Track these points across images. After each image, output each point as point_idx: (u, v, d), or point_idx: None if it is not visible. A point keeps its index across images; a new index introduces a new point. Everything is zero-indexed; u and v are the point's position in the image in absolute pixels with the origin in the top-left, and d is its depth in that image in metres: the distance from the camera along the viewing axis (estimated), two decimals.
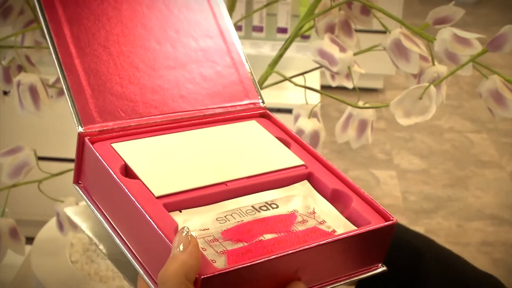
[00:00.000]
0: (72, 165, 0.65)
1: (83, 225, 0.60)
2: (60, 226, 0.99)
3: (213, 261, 0.50)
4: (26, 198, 1.28)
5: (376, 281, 0.58)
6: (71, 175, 0.61)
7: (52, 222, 1.14)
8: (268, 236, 0.53)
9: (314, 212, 0.57)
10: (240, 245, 0.52)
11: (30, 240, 1.08)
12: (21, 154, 0.91)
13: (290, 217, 0.56)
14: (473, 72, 0.81)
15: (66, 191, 0.91)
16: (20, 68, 0.92)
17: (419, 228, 2.19)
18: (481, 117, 3.11)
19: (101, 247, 0.57)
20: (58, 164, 1.58)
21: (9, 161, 0.91)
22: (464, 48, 0.78)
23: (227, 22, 0.68)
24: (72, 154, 0.58)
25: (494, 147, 2.85)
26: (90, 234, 0.59)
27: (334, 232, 0.54)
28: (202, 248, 0.50)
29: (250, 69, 0.67)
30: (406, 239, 0.72)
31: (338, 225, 0.55)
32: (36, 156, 0.93)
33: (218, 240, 0.52)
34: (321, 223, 0.56)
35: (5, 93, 0.96)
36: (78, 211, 0.61)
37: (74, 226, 0.98)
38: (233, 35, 0.67)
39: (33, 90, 0.87)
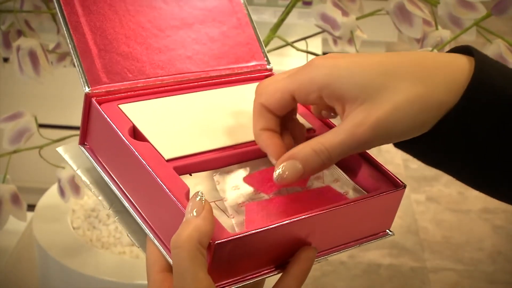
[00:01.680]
0: (73, 132, 0.65)
1: (79, 170, 0.58)
2: (62, 192, 0.99)
3: (232, 216, 0.50)
4: (27, 164, 1.28)
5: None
6: (72, 141, 0.60)
7: (54, 188, 1.15)
8: (284, 191, 0.54)
9: (322, 177, 0.56)
10: (259, 197, 0.53)
11: (31, 207, 1.08)
12: (22, 120, 0.91)
13: None
14: (477, 39, 0.80)
15: None
16: (20, 33, 0.92)
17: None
18: None
19: (100, 198, 0.56)
20: (59, 131, 1.57)
21: (10, 127, 0.91)
22: (468, 12, 0.78)
23: None
24: (73, 121, 0.57)
25: None
26: (88, 182, 0.57)
27: (346, 194, 0.55)
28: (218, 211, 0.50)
29: (256, 30, 0.66)
30: None
31: (348, 190, 0.55)
32: (37, 122, 0.92)
33: (239, 188, 0.53)
34: (335, 181, 0.56)
35: (5, 60, 0.96)
36: (73, 152, 0.60)
37: (76, 192, 0.98)
38: None
39: (33, 55, 0.86)
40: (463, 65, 0.48)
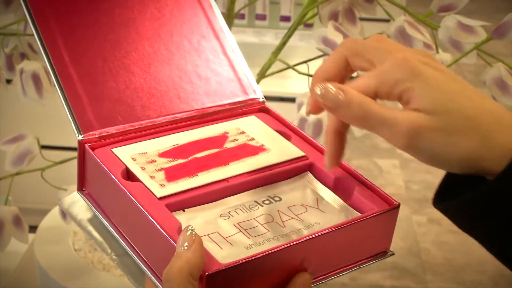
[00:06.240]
0: (75, 154, 0.65)
1: (83, 220, 0.60)
2: (63, 214, 0.99)
3: (152, 177, 0.55)
4: (29, 186, 1.28)
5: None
6: (74, 163, 0.61)
7: (55, 210, 1.15)
8: (201, 154, 0.58)
9: (317, 202, 0.57)
10: (177, 162, 0.57)
11: (33, 228, 1.08)
12: (24, 142, 0.92)
13: (221, 137, 0.61)
14: (477, 61, 0.81)
15: (69, 179, 0.91)
16: (23, 56, 0.92)
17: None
18: None
19: (100, 247, 0.58)
20: (61, 153, 1.58)
21: (13, 149, 0.91)
22: (469, 36, 0.78)
23: (220, 21, 0.68)
24: (76, 143, 0.58)
25: None
26: (88, 232, 0.59)
27: (262, 147, 0.59)
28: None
29: (245, 65, 0.67)
30: None
31: (341, 212, 0.55)
32: (39, 144, 0.93)
33: (155, 161, 0.57)
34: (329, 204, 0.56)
35: (8, 81, 0.96)
36: (76, 201, 0.61)
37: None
38: (226, 33, 0.68)
39: (36, 78, 0.87)
40: None
